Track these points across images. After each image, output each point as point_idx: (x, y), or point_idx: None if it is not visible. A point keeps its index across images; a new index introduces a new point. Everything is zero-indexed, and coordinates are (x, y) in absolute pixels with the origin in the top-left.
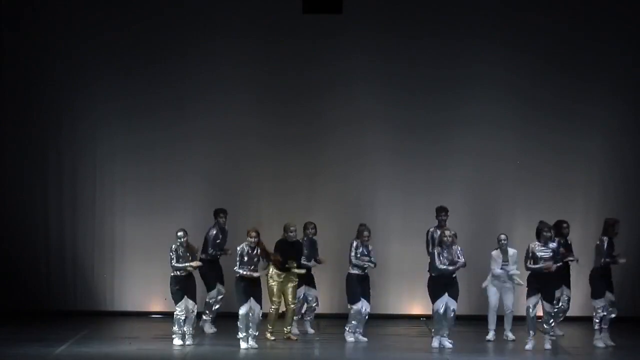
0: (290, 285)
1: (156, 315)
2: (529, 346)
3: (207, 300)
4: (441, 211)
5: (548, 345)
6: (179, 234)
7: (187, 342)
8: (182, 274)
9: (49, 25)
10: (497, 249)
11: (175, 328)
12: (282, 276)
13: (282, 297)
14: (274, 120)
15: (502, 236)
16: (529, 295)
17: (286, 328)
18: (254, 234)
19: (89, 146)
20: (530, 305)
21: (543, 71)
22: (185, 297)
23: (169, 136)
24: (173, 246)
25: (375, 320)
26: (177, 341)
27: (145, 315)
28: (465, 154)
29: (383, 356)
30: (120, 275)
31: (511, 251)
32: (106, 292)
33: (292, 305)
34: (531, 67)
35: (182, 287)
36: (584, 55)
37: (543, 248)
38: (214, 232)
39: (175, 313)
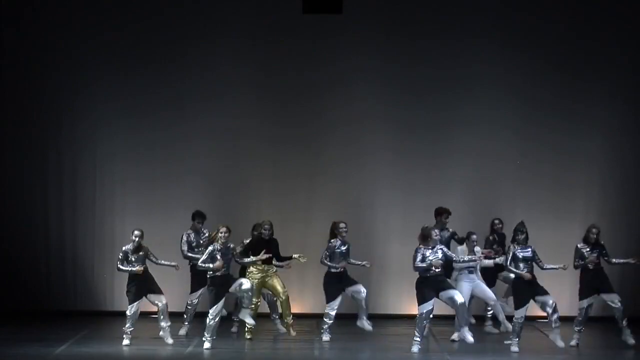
0: (271, 278)
1: (156, 315)
2: (515, 348)
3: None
4: (443, 213)
5: (562, 343)
6: (135, 232)
7: (169, 341)
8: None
9: (49, 25)
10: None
11: (127, 326)
12: (261, 272)
13: (263, 292)
14: (274, 120)
15: (474, 236)
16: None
17: (287, 319)
18: (224, 229)
19: (89, 146)
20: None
21: (543, 71)
22: (149, 295)
23: (169, 136)
24: (124, 247)
25: (376, 320)
26: (125, 341)
27: (145, 315)
28: (465, 154)
29: (383, 356)
30: (120, 275)
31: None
32: (106, 292)
33: (283, 295)
34: (531, 67)
35: (138, 286)
36: (584, 55)
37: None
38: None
39: (127, 312)
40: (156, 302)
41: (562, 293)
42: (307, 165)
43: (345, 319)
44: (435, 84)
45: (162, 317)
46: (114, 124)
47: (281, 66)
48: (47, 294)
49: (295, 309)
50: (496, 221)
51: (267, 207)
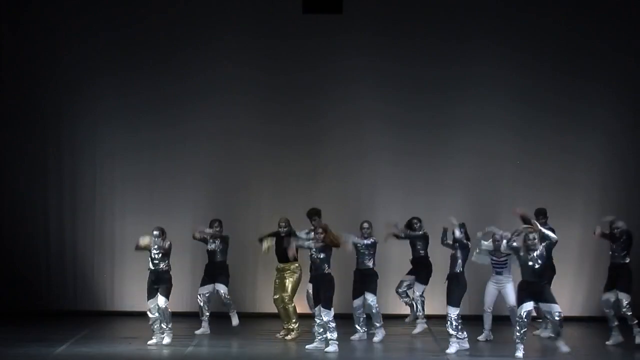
0: (287, 279)
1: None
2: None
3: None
4: (538, 214)
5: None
6: (154, 232)
7: (165, 341)
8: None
9: (49, 25)
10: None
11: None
12: (280, 270)
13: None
14: (274, 120)
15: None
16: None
17: (285, 325)
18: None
19: (89, 146)
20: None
21: (543, 71)
22: (158, 295)
23: (169, 136)
24: (153, 247)
25: None
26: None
27: (145, 315)
28: (465, 154)
29: (383, 356)
30: (120, 275)
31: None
32: (106, 292)
33: (287, 300)
34: (531, 67)
35: (149, 286)
36: (584, 55)
37: None
38: None
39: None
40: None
41: (561, 297)
42: (307, 165)
43: (345, 319)
44: (435, 84)
45: (162, 319)
46: (114, 123)
47: (281, 66)
48: (47, 294)
49: (299, 308)
50: (414, 220)
51: (267, 207)
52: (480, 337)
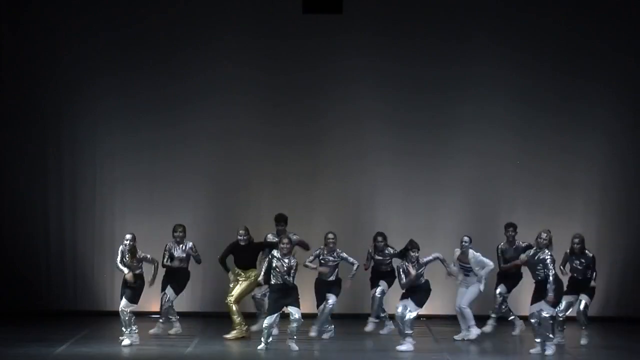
0: (241, 283)
1: (156, 315)
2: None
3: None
4: (509, 227)
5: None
6: (127, 236)
7: (124, 342)
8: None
9: (49, 25)
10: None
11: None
12: (239, 275)
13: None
14: (274, 120)
15: (465, 238)
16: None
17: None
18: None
19: (89, 146)
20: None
21: (543, 71)
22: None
23: (169, 136)
24: (121, 247)
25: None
26: (125, 341)
27: (144, 315)
28: (466, 154)
29: (383, 356)
30: (120, 275)
31: (471, 254)
32: (106, 292)
33: (230, 300)
34: (531, 67)
35: (123, 286)
36: (584, 55)
37: None
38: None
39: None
40: None
41: None
42: (307, 166)
43: (345, 319)
44: (435, 84)
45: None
46: (114, 123)
47: (281, 66)
48: (47, 294)
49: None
50: (379, 238)
51: (267, 207)
52: (457, 337)
